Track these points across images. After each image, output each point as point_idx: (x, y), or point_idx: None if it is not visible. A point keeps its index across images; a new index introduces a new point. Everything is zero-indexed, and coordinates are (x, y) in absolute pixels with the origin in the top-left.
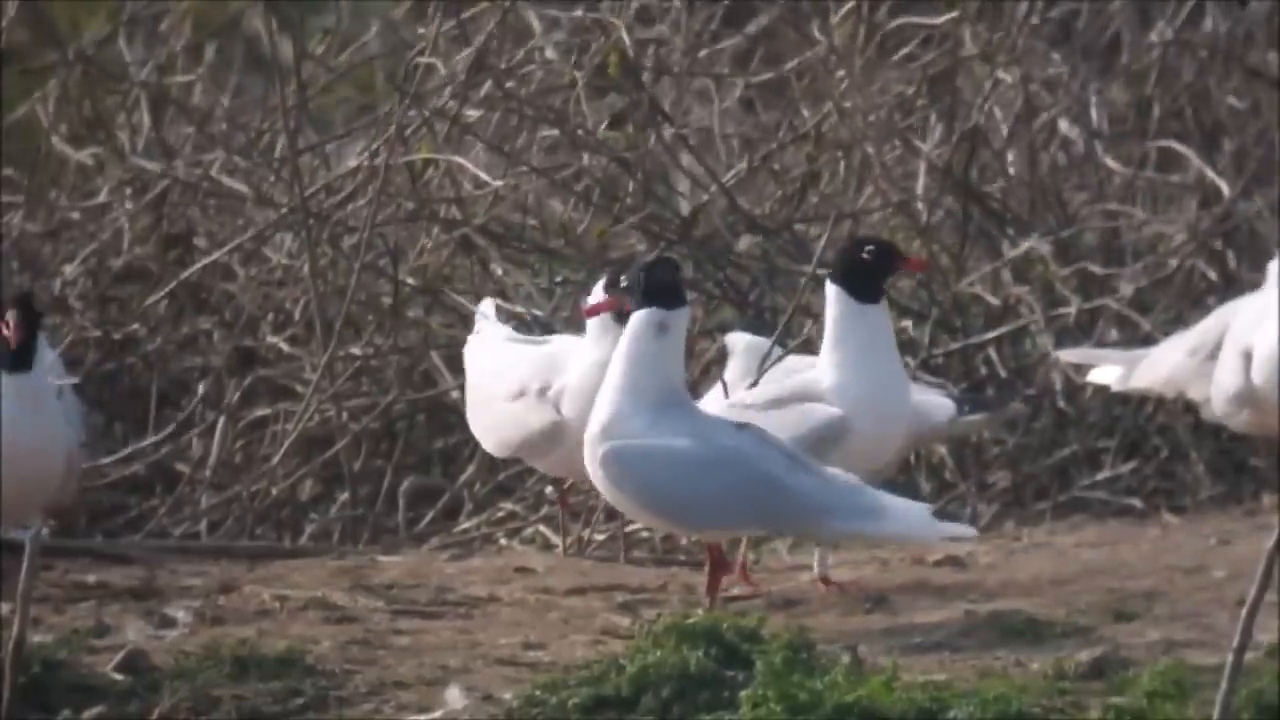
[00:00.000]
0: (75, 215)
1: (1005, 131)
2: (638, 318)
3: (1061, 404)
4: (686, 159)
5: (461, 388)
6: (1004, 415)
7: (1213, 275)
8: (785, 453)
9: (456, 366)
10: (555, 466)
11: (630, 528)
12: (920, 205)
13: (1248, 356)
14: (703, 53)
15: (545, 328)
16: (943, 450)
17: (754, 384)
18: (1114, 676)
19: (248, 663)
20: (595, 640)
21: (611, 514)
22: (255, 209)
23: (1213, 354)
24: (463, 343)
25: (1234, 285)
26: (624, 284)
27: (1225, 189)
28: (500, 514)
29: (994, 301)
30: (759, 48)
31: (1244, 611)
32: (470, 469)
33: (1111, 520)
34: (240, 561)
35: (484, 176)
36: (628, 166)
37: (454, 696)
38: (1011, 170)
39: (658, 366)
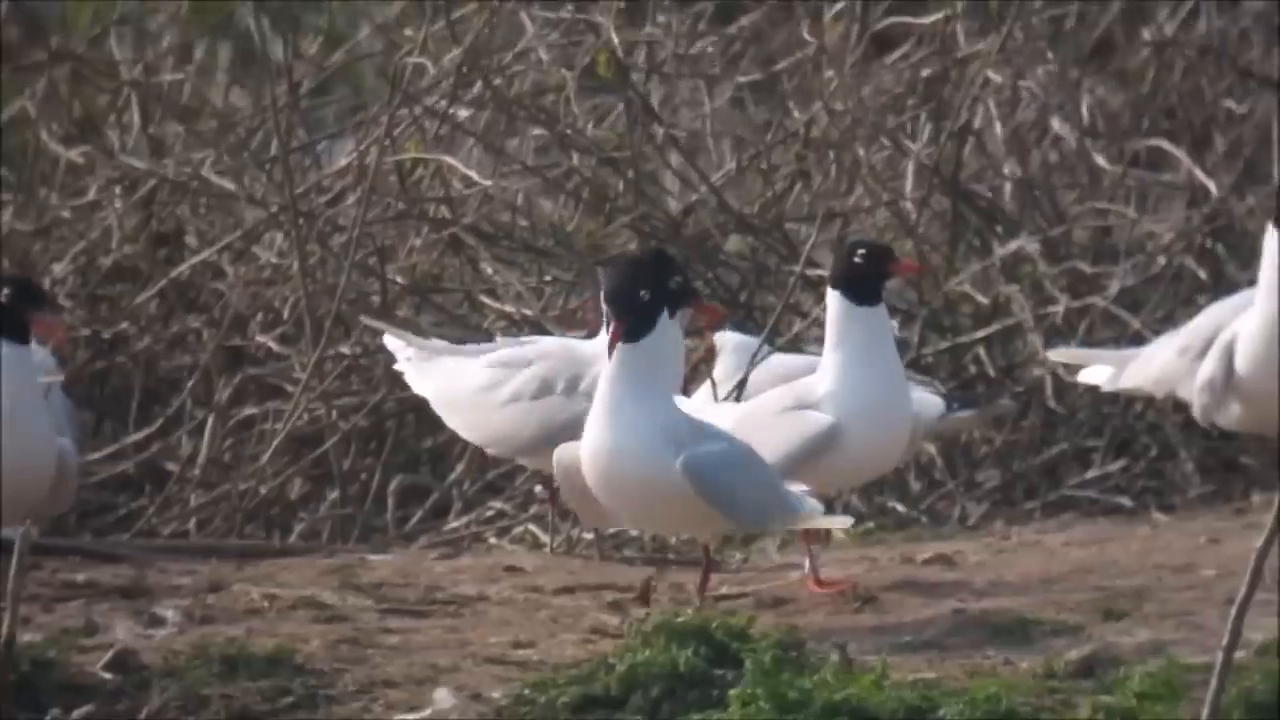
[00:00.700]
0: (65, 213)
1: (995, 131)
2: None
3: (1051, 403)
4: (676, 158)
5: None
6: (993, 413)
7: (1202, 274)
8: None
9: None
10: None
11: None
12: (909, 205)
13: (1231, 344)
14: (694, 48)
15: (536, 327)
16: (932, 449)
17: (742, 382)
18: (1103, 675)
19: (237, 661)
20: (584, 639)
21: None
22: (245, 208)
23: (1202, 353)
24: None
25: (1223, 284)
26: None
27: (1213, 188)
28: (489, 513)
29: (983, 300)
30: (749, 48)
31: (1233, 610)
32: (459, 468)
33: (1101, 519)
34: (229, 560)
35: (473, 176)
36: (617, 166)
37: (443, 695)
38: (1002, 169)
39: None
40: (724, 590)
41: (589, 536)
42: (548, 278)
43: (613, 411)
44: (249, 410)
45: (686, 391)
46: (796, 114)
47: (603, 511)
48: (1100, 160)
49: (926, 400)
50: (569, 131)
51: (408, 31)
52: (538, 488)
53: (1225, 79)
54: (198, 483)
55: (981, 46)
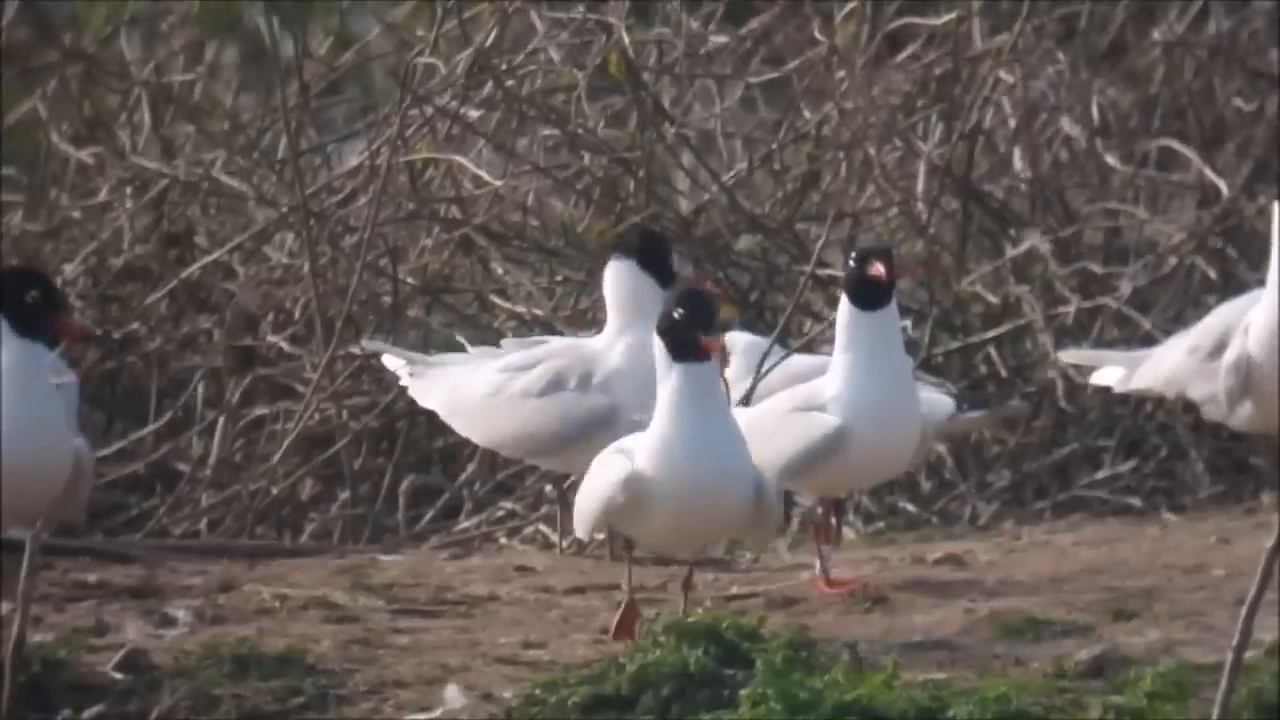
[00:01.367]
0: (75, 214)
1: (1007, 130)
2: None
3: (1061, 403)
4: (687, 158)
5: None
6: (1003, 413)
7: (1212, 274)
8: None
9: None
10: (587, 459)
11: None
12: (921, 205)
13: (1245, 331)
14: (705, 48)
15: (546, 327)
16: (942, 449)
17: (754, 384)
18: (1114, 675)
19: (248, 662)
20: (595, 639)
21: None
22: (256, 208)
23: (1211, 353)
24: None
25: (1234, 284)
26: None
27: (1224, 189)
28: (500, 513)
29: (994, 300)
30: (760, 48)
31: (1243, 610)
32: (470, 468)
33: (1111, 519)
34: (240, 560)
35: (485, 176)
36: (629, 166)
37: (454, 695)
38: (1014, 169)
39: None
40: (735, 590)
41: (600, 537)
42: (559, 278)
43: (706, 431)
44: (260, 410)
45: None
46: (808, 114)
47: (638, 526)
48: (1111, 160)
49: (937, 401)
50: (580, 131)
51: (419, 31)
52: (548, 488)
53: (1235, 79)
54: (209, 483)
55: (993, 46)
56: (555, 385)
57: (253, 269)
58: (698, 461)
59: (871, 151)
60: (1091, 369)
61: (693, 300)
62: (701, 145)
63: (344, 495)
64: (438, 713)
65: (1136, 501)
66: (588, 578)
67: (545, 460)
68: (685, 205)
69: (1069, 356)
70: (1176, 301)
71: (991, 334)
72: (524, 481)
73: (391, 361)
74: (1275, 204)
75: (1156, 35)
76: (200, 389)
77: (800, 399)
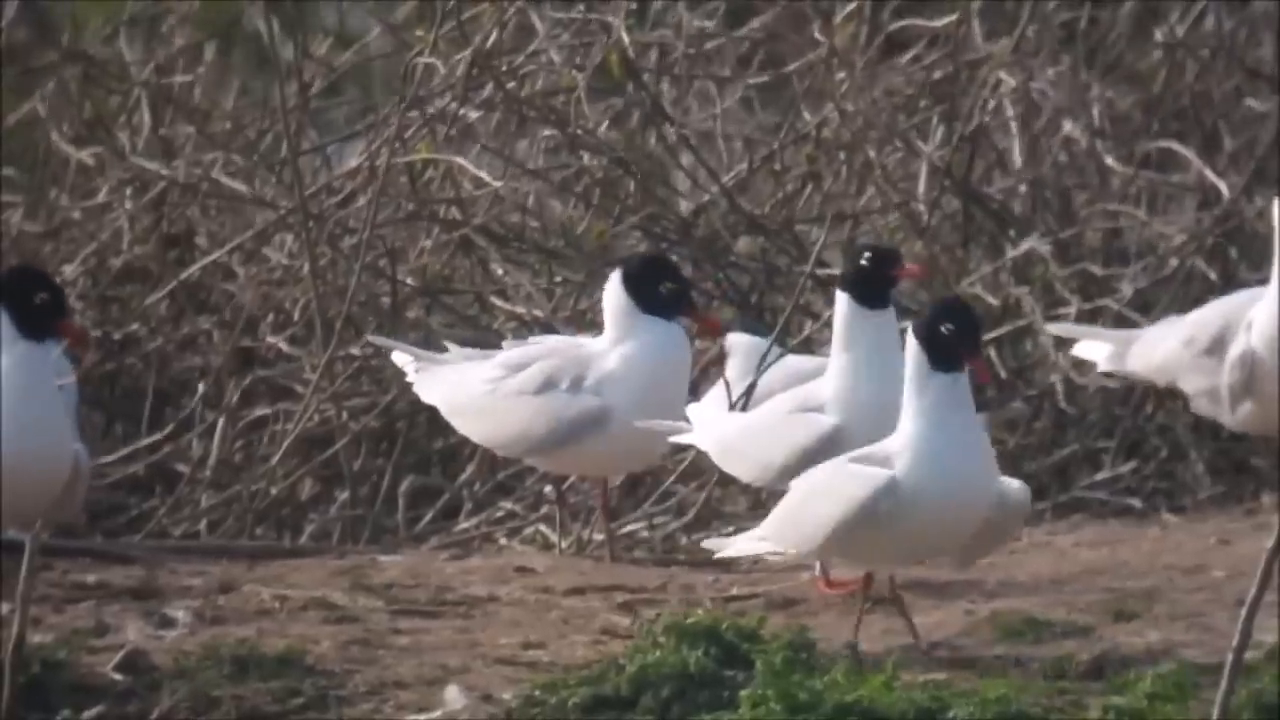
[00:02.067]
0: (75, 215)
1: (1007, 132)
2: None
3: (1061, 404)
4: (687, 159)
5: None
6: (1003, 415)
7: (1213, 275)
8: None
9: None
10: (579, 461)
11: (630, 527)
12: (921, 206)
13: (1248, 327)
14: (705, 48)
15: (546, 328)
16: None
17: (753, 384)
18: (1114, 676)
19: (247, 662)
20: (595, 640)
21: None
22: (255, 209)
23: (1209, 349)
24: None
25: (1235, 285)
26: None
27: (1225, 190)
28: (500, 514)
29: (994, 302)
30: (760, 49)
31: (1244, 611)
32: (470, 469)
33: (1111, 520)
34: (240, 561)
35: (484, 177)
36: (628, 167)
37: (453, 696)
38: (1014, 170)
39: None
40: (735, 591)
41: (599, 537)
42: (558, 279)
43: (963, 440)
44: (260, 411)
45: (695, 394)
46: (807, 115)
47: (882, 536)
48: (1111, 162)
49: None
50: (580, 132)
51: (419, 32)
52: (548, 488)
53: (1234, 79)
54: (208, 484)
55: (994, 49)
56: (548, 385)
57: (252, 270)
58: (956, 469)
59: (871, 153)
60: (1076, 344)
61: (961, 316)
62: (701, 146)
63: (343, 496)
64: (437, 713)
65: (1137, 503)
66: (587, 578)
67: (540, 460)
68: (685, 206)
69: (1056, 329)
70: (1177, 303)
71: (991, 335)
72: (524, 482)
73: (399, 358)
74: (1276, 202)
75: (1157, 36)
76: (200, 390)
77: (799, 400)
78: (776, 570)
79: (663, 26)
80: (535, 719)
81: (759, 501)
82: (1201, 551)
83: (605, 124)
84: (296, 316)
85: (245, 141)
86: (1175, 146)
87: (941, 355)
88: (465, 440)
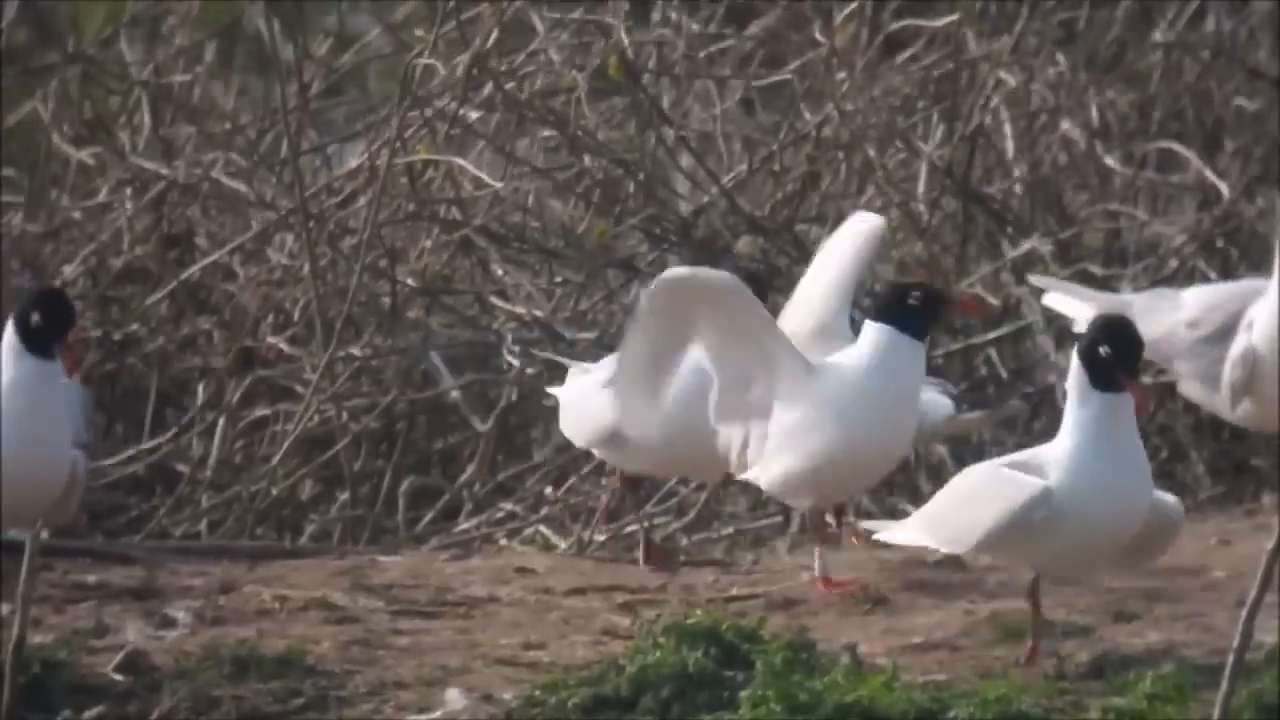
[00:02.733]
0: (75, 215)
1: (1007, 132)
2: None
3: (1061, 404)
4: (687, 160)
5: (462, 387)
6: (1003, 414)
7: (1213, 275)
8: None
9: (457, 367)
10: (638, 457)
11: (630, 528)
12: (921, 206)
13: (1249, 326)
14: (704, 53)
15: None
16: (942, 450)
17: None
18: (1114, 677)
19: (248, 663)
20: (595, 640)
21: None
22: (256, 209)
23: (1210, 337)
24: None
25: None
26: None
27: (1225, 190)
28: (500, 514)
29: (994, 302)
30: (760, 49)
31: (1244, 612)
32: (470, 469)
33: None
34: (240, 561)
35: (484, 177)
36: (628, 168)
37: (453, 697)
38: (1014, 171)
39: None
40: (735, 591)
41: (600, 538)
42: (558, 279)
43: (1120, 458)
44: (260, 412)
45: None
46: (807, 115)
47: (1038, 546)
48: (1111, 162)
49: (937, 401)
50: (580, 133)
51: (419, 32)
52: (548, 489)
53: (1234, 79)
54: (209, 484)
55: (993, 49)
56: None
57: (253, 270)
58: (1109, 485)
59: (871, 153)
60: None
61: (1120, 337)
62: (701, 147)
63: (344, 496)
64: (438, 714)
65: None
66: (588, 579)
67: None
68: (685, 207)
69: (1038, 281)
70: None
71: (992, 335)
72: (524, 483)
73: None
74: (1279, 199)
75: (1156, 36)
76: (200, 390)
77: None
78: (776, 571)
79: (662, 27)
80: (535, 719)
81: (759, 502)
82: (1202, 552)
83: (605, 124)
84: (297, 317)
85: (245, 142)
86: (1175, 147)
87: (1101, 375)
88: (465, 441)
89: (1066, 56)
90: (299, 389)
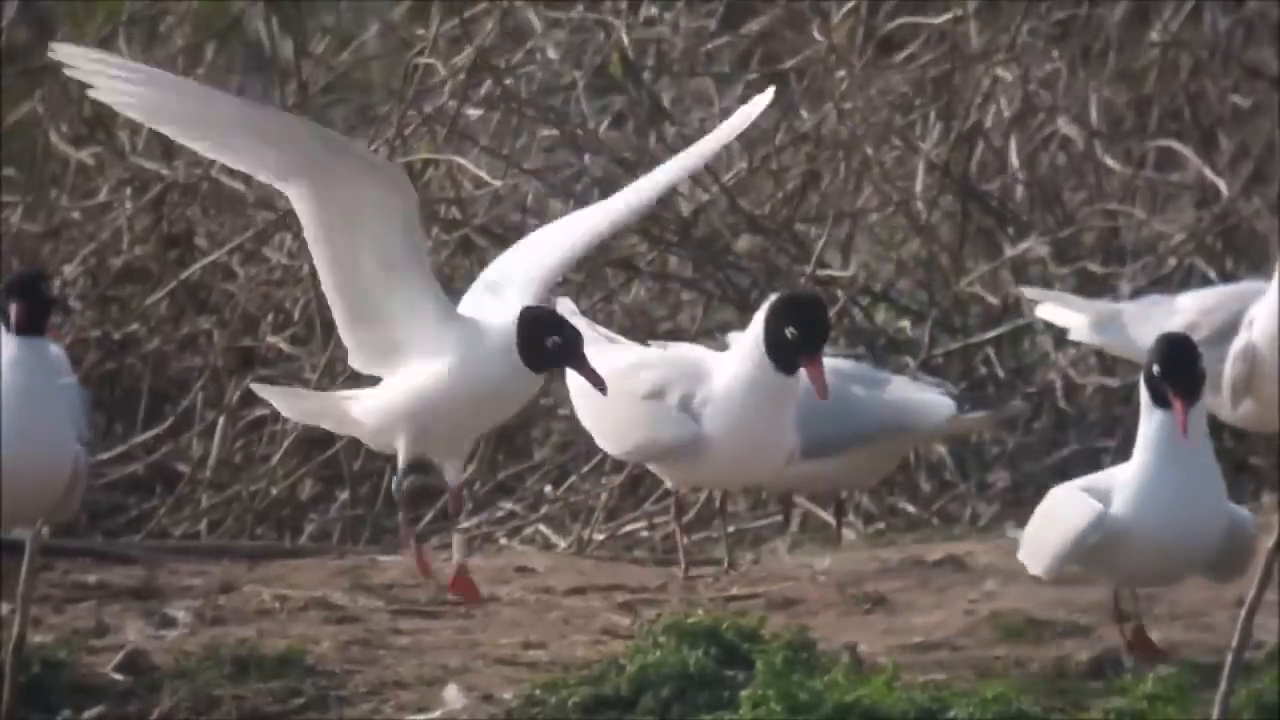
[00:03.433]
0: (75, 215)
1: (1004, 131)
2: None
3: (1061, 403)
4: None
5: None
6: (1003, 414)
7: (1212, 274)
8: None
9: None
10: (681, 473)
11: (631, 527)
12: (919, 205)
13: (1250, 325)
14: (703, 50)
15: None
16: (942, 450)
17: None
18: (1114, 677)
19: (248, 662)
20: (595, 640)
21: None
22: (255, 209)
23: (1210, 339)
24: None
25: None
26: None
27: (1224, 189)
28: (500, 514)
29: (993, 301)
30: (758, 48)
31: (1244, 611)
32: (470, 469)
33: None
34: (240, 561)
35: (484, 176)
36: (627, 166)
37: (453, 696)
38: (1012, 170)
39: None
40: (735, 591)
41: (600, 537)
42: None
43: (1182, 476)
44: (260, 411)
45: None
46: (806, 115)
47: (1107, 565)
48: (1109, 161)
49: (937, 402)
50: (579, 132)
51: (419, 30)
52: (548, 488)
53: (1231, 78)
54: (208, 484)
55: (990, 47)
56: (655, 393)
57: (252, 270)
58: (1173, 506)
59: (870, 151)
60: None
61: (1175, 358)
62: None
63: (343, 496)
64: (437, 714)
65: None
66: (588, 578)
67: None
68: (685, 206)
69: (1030, 293)
70: None
71: (991, 334)
72: (524, 482)
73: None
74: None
75: (1153, 35)
76: (200, 390)
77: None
78: (776, 571)
79: (657, 23)
80: (535, 719)
81: (760, 501)
82: None
83: (605, 124)
84: (296, 316)
85: None
86: (1174, 145)
87: (1157, 393)
88: None
89: (1063, 54)
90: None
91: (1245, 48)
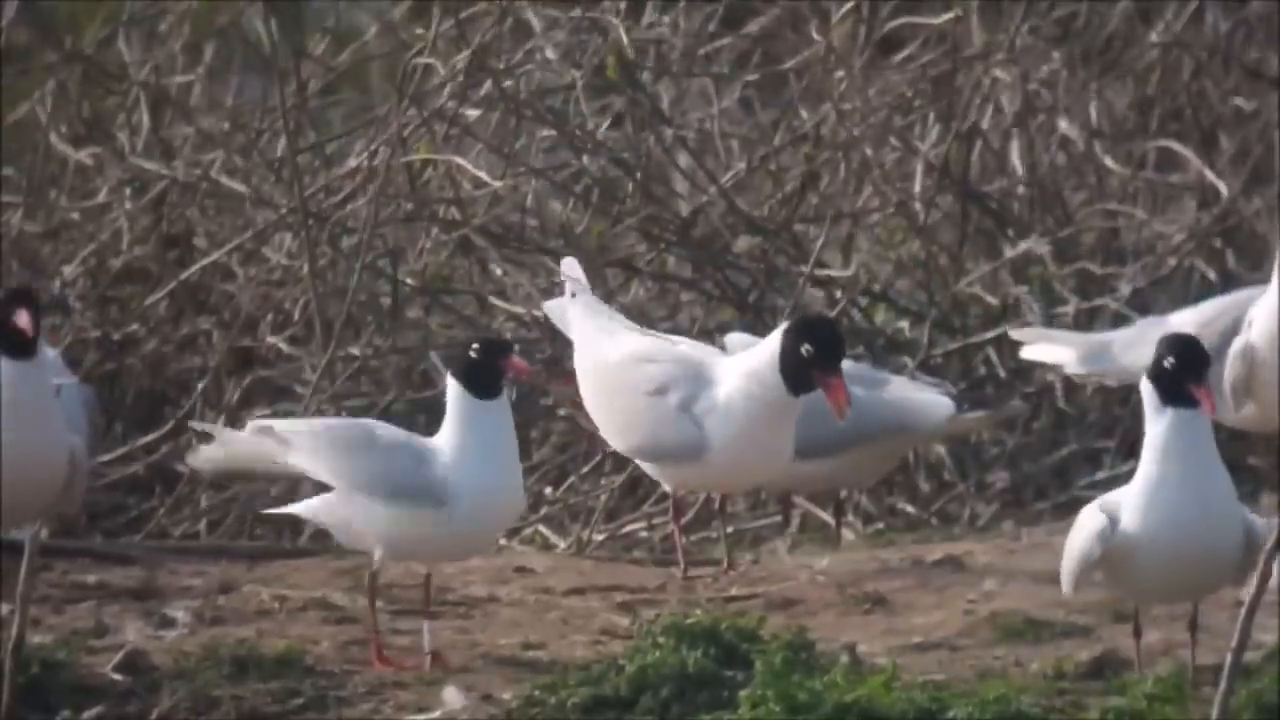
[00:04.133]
0: (74, 215)
1: (1004, 131)
2: None
3: (1060, 403)
4: (685, 160)
5: None
6: (1003, 414)
7: (1212, 275)
8: None
9: None
10: (678, 476)
11: (630, 527)
12: (918, 205)
13: (1249, 325)
14: (702, 51)
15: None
16: (941, 450)
17: None
18: (1113, 677)
19: (247, 663)
20: (594, 640)
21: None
22: (255, 209)
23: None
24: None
25: (1234, 285)
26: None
27: (1224, 189)
28: None
29: (993, 301)
30: (758, 48)
31: (1243, 611)
32: None
33: None
34: (240, 562)
35: (484, 177)
36: (627, 167)
37: (453, 696)
38: (1012, 170)
39: None
40: (734, 591)
41: (599, 538)
42: (558, 279)
43: (1193, 482)
44: (260, 411)
45: None
46: (805, 115)
47: (1125, 579)
48: (1109, 162)
49: (937, 402)
50: (578, 133)
51: (418, 30)
52: (547, 489)
53: (1232, 79)
54: (208, 484)
55: (989, 47)
56: (658, 391)
57: (252, 270)
58: (1183, 514)
59: (869, 152)
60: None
61: (1184, 348)
62: (699, 146)
63: None
64: (437, 714)
65: None
66: (587, 579)
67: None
68: (684, 207)
69: (1018, 334)
70: (1176, 302)
71: (990, 334)
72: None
73: (570, 271)
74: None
75: (1154, 36)
76: (199, 390)
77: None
78: (776, 571)
79: (657, 25)
80: (534, 719)
81: (759, 501)
82: None
83: (604, 125)
84: (296, 316)
85: (245, 141)
86: (1174, 146)
87: (1168, 390)
88: None
89: (1063, 55)
90: (299, 389)
91: (1246, 49)
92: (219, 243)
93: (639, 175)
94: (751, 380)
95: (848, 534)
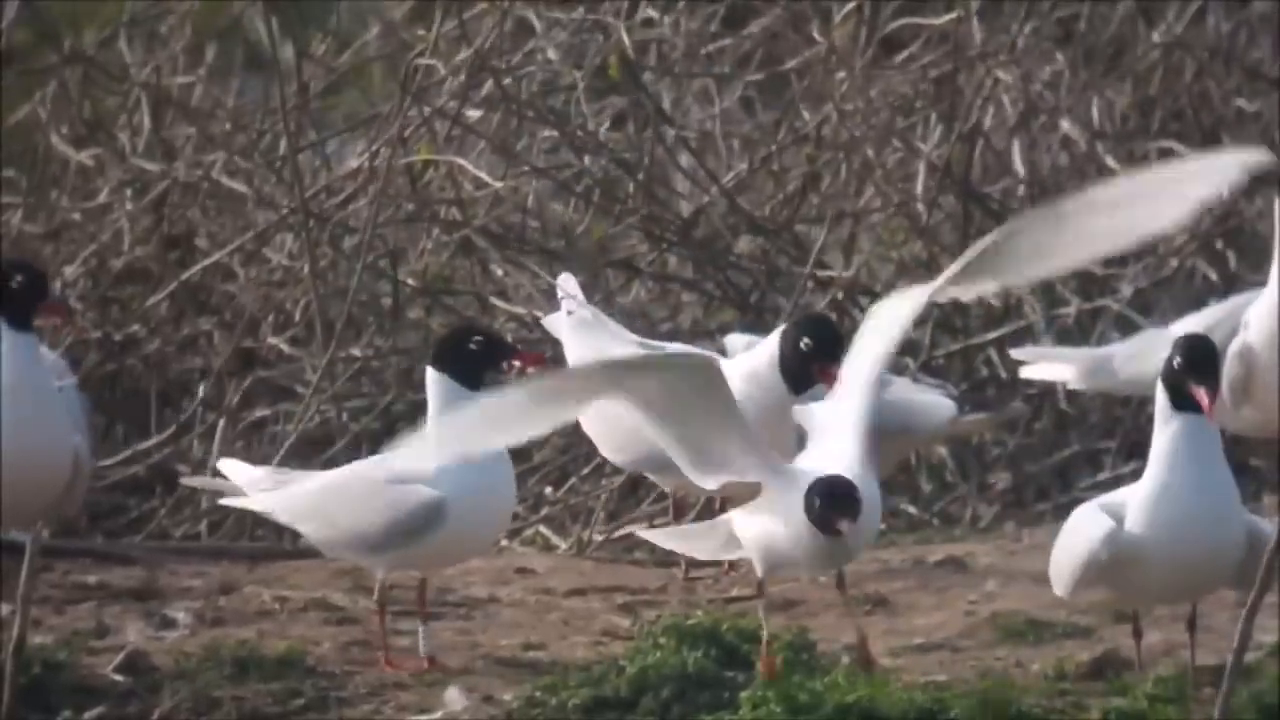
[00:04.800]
0: (75, 216)
1: (1006, 132)
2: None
3: (1062, 405)
4: (686, 160)
5: None
6: (1004, 415)
7: (1213, 275)
8: None
9: None
10: (677, 480)
11: (630, 528)
12: (920, 206)
13: (1246, 325)
14: (704, 51)
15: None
16: (943, 451)
17: None
18: (1114, 678)
19: (248, 664)
20: (595, 641)
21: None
22: (256, 210)
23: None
24: None
25: (1235, 286)
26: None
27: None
28: None
29: (994, 302)
30: (759, 49)
31: (1244, 612)
32: None
33: None
34: (240, 562)
35: (485, 177)
36: (628, 168)
37: (454, 697)
38: (1013, 170)
39: None
40: (735, 592)
41: (599, 538)
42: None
43: (1199, 486)
44: (260, 412)
45: None
46: (806, 115)
47: (1125, 582)
48: (1111, 162)
49: (938, 403)
50: (580, 133)
51: (420, 31)
52: (548, 489)
53: (1233, 79)
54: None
55: (991, 47)
56: None
57: (253, 271)
58: (1189, 520)
59: (871, 152)
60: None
61: (1190, 350)
62: (701, 147)
63: None
64: (438, 714)
65: None
66: (588, 579)
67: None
68: (685, 207)
69: (1019, 354)
70: (1178, 303)
71: (992, 335)
72: (524, 484)
73: (566, 287)
74: (1276, 201)
75: (1155, 36)
76: (200, 391)
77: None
78: None
79: (655, 24)
80: (535, 719)
81: None
82: None
83: (605, 125)
84: (297, 317)
85: (246, 142)
86: (1175, 146)
87: (1178, 395)
88: None
89: (1065, 55)
90: (299, 389)
91: (1248, 49)
92: (220, 243)
93: (640, 175)
94: (751, 383)
95: None
